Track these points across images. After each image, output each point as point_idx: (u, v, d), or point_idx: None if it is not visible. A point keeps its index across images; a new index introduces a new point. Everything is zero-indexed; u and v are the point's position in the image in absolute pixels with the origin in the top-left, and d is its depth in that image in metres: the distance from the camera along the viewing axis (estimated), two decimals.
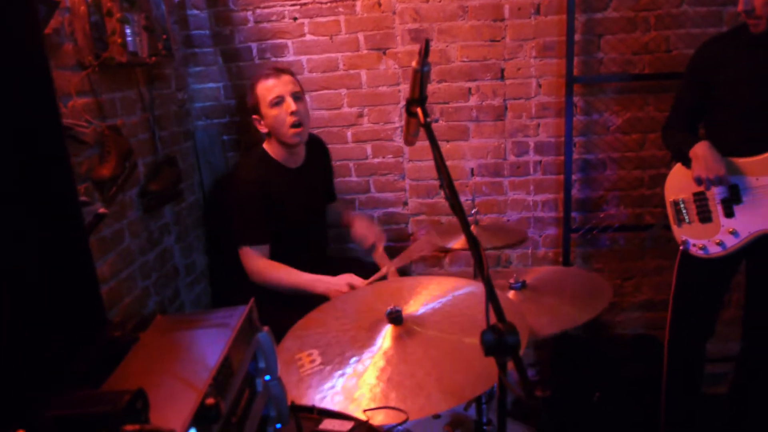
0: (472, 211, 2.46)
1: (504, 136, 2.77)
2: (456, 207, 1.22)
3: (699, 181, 2.04)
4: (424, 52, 1.27)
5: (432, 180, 2.85)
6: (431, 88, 2.71)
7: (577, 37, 2.62)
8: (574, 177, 2.77)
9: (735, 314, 2.74)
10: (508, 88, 2.72)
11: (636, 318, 2.96)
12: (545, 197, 2.83)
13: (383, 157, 2.84)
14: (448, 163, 2.81)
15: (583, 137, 2.74)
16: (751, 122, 2.02)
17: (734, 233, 2.06)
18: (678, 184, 2.20)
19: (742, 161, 2.03)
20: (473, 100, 2.74)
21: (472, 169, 2.81)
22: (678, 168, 2.22)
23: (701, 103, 2.16)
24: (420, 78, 1.30)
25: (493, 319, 1.09)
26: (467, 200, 2.75)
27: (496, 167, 2.80)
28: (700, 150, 2.04)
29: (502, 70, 2.70)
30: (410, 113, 1.35)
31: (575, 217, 2.83)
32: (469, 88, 2.73)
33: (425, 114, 1.32)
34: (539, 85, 2.71)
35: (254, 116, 2.33)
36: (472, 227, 2.47)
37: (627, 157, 2.75)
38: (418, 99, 1.32)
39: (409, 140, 1.47)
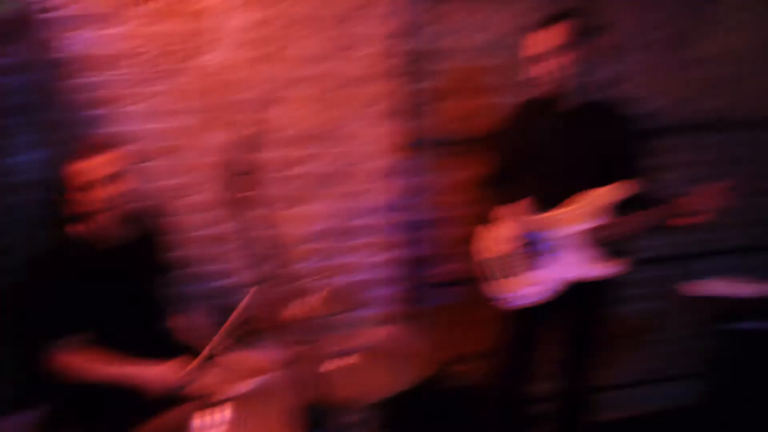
0: (312, 278, 2.45)
1: (347, 199, 2.81)
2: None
3: (513, 238, 2.20)
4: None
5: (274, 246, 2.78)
6: (267, 156, 2.69)
7: (418, 100, 2.76)
8: (416, 235, 2.88)
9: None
10: (351, 150, 2.78)
11: (475, 368, 3.08)
12: (392, 257, 2.89)
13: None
14: (288, 228, 2.77)
15: (422, 197, 2.88)
16: (552, 179, 2.24)
17: (548, 282, 2.23)
18: (491, 241, 2.35)
19: (549, 214, 2.23)
20: (313, 164, 2.75)
21: (315, 234, 2.80)
22: (491, 226, 2.37)
23: (509, 163, 2.36)
24: None
25: None
26: (310, 264, 2.72)
27: (340, 230, 2.83)
28: (511, 210, 2.23)
29: (343, 133, 2.76)
30: None
31: (419, 275, 2.92)
32: (309, 152, 2.74)
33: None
34: (383, 147, 2.80)
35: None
36: (311, 294, 2.44)
37: (463, 215, 2.91)
38: None
39: None
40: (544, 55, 2.12)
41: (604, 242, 2.17)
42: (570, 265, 2.21)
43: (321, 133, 2.74)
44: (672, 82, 3.12)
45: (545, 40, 2.13)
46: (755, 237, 3.43)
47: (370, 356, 1.99)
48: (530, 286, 2.25)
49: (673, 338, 3.45)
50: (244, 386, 1.82)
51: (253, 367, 2.05)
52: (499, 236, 2.33)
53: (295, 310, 2.21)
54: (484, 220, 2.40)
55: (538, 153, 2.26)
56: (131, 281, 2.22)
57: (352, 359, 1.96)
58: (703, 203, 2.02)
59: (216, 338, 2.02)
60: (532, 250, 2.24)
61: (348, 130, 2.76)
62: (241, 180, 1.27)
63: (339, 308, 2.32)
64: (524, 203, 2.25)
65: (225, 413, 1.53)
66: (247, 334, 2.31)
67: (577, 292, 2.25)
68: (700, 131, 3.19)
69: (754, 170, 3.31)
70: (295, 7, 2.63)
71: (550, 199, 2.24)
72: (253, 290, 2.70)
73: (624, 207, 2.28)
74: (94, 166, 2.04)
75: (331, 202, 2.80)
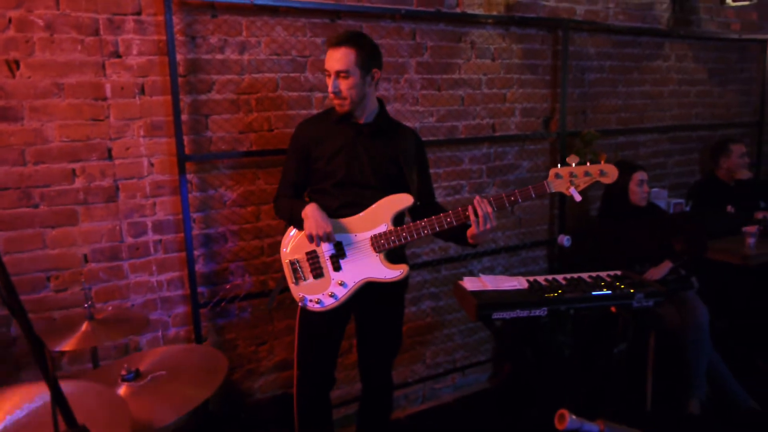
0: (86, 304, 2.27)
1: (118, 218, 2.64)
2: (14, 308, 1.08)
3: (311, 238, 2.25)
4: None
5: (38, 272, 2.52)
6: (26, 170, 2.44)
7: (185, 117, 2.70)
8: (196, 252, 2.79)
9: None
10: (118, 168, 2.62)
11: (273, 380, 3.08)
12: (170, 276, 2.78)
13: None
14: (56, 251, 2.54)
15: (202, 213, 2.80)
16: (345, 189, 2.35)
17: (343, 284, 2.33)
18: (293, 245, 2.39)
19: (343, 221, 2.33)
20: (79, 182, 2.55)
21: (86, 255, 2.59)
22: (291, 230, 2.42)
23: (304, 175, 2.44)
24: None
25: (63, 427, 0.99)
26: (82, 290, 2.51)
27: (113, 251, 2.64)
28: (310, 211, 2.28)
29: (110, 150, 2.59)
30: None
31: (203, 292, 2.84)
32: (73, 170, 2.54)
33: None
34: (152, 164, 2.68)
35: None
36: (86, 322, 2.27)
37: (245, 228, 2.91)
38: None
39: None
40: (332, 73, 2.26)
41: (394, 246, 2.30)
42: (363, 269, 2.32)
43: (88, 146, 2.54)
44: (439, 102, 3.41)
45: (331, 60, 2.25)
46: (521, 237, 3.88)
47: (162, 376, 1.88)
48: (330, 288, 2.33)
49: (463, 331, 3.76)
50: None
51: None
52: (294, 243, 2.38)
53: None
54: (288, 225, 2.43)
55: (332, 163, 2.35)
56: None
57: (143, 381, 1.84)
58: (477, 212, 2.21)
59: None
60: (332, 252, 2.32)
61: (119, 144, 2.60)
62: None
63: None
64: (319, 210, 2.31)
65: None
66: None
67: (370, 294, 2.36)
68: (468, 144, 3.53)
69: (510, 179, 3.75)
70: (51, 10, 2.42)
71: (342, 206, 2.34)
72: None
73: (412, 214, 2.49)
74: None
75: (103, 220, 2.61)
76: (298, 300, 2.37)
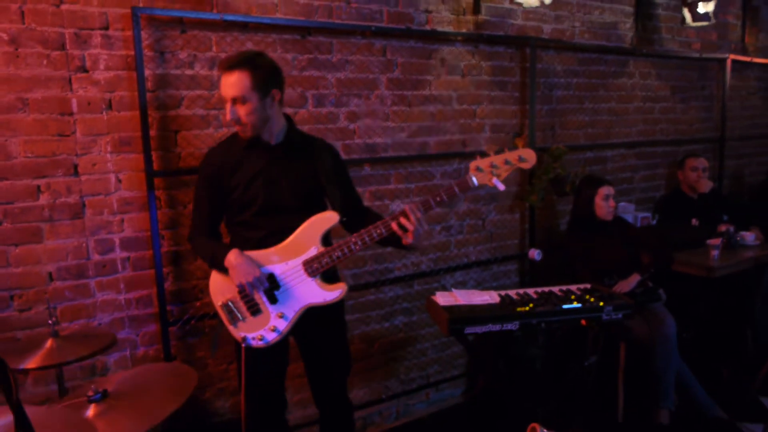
0: (50, 321, 2.21)
1: (85, 235, 2.59)
2: None
3: (242, 288, 2.17)
4: None
5: (1, 291, 2.45)
6: None
7: (153, 132, 2.67)
8: (165, 270, 2.75)
9: None
10: (84, 185, 2.57)
11: (233, 402, 3.03)
12: (138, 294, 2.72)
13: None
14: (19, 269, 2.47)
15: (171, 230, 2.76)
16: (267, 217, 2.25)
17: (283, 317, 2.23)
18: (221, 287, 2.27)
19: (270, 252, 2.22)
20: (44, 199, 2.50)
21: (51, 273, 2.53)
22: (216, 273, 2.29)
23: (219, 208, 2.31)
24: None
25: None
26: (46, 309, 2.44)
27: (79, 269, 2.59)
28: (234, 259, 2.17)
29: (76, 166, 2.55)
30: None
31: (172, 310, 2.79)
32: (38, 186, 2.48)
33: None
34: (119, 180, 2.64)
35: None
36: (51, 339, 2.21)
37: None
38: None
39: None
40: (228, 100, 2.14)
41: (327, 267, 2.22)
42: (301, 296, 2.23)
43: (54, 162, 2.50)
44: (410, 118, 3.44)
45: (226, 86, 2.12)
46: (492, 251, 3.91)
47: (124, 397, 1.84)
48: (271, 322, 2.24)
49: (436, 345, 3.76)
50: None
51: None
52: (223, 285, 2.27)
53: None
54: (207, 262, 2.31)
55: (249, 190, 2.22)
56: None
57: (107, 401, 1.79)
58: (407, 222, 2.14)
59: None
60: (265, 286, 2.20)
61: (86, 159, 2.56)
62: None
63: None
64: (243, 241, 2.24)
65: None
66: None
67: (309, 318, 2.27)
68: (440, 160, 3.56)
69: (481, 194, 3.79)
70: (16, 24, 2.38)
71: (268, 235, 2.25)
72: None
73: (345, 226, 2.39)
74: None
75: (69, 238, 2.55)
76: (240, 341, 2.24)
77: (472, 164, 2.21)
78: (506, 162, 2.21)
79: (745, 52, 5.29)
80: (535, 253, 3.79)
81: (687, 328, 3.89)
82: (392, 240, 2.25)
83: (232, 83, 2.10)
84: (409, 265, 3.55)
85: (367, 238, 2.18)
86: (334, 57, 3.12)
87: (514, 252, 4.01)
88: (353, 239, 2.19)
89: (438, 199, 2.20)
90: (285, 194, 2.24)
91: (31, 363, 2.09)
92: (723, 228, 4.09)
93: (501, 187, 2.22)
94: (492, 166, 2.21)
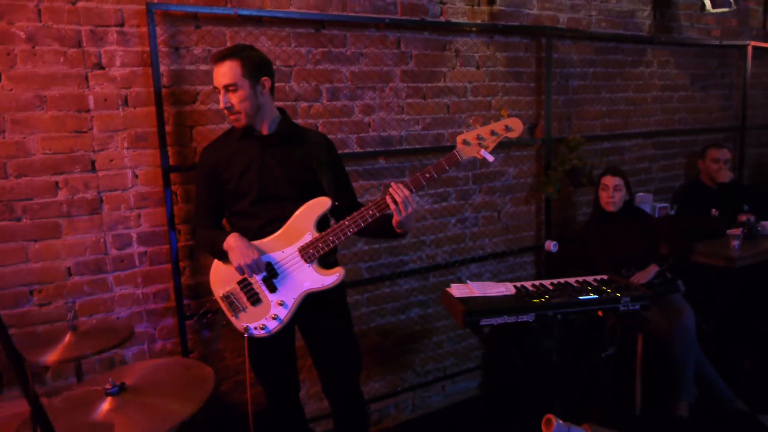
0: (69, 315, 2.24)
1: (102, 230, 2.62)
2: None
3: (240, 270, 2.19)
4: None
5: (21, 286, 2.50)
6: (8, 183, 2.42)
7: (169, 128, 2.69)
8: (182, 264, 2.78)
9: None
10: (102, 180, 2.60)
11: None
12: (156, 288, 2.75)
13: None
14: (39, 264, 2.51)
15: (188, 224, 2.78)
16: (264, 205, 2.27)
17: (283, 304, 2.25)
18: (222, 278, 2.31)
19: (266, 241, 2.25)
20: (62, 195, 2.53)
21: (69, 269, 2.57)
22: (217, 264, 2.33)
23: (218, 200, 2.35)
24: None
25: None
26: (65, 303, 2.49)
27: (97, 264, 2.62)
28: (233, 241, 2.20)
29: (93, 162, 2.58)
30: None
31: (189, 304, 2.82)
32: (56, 182, 2.52)
33: None
34: (136, 176, 2.67)
35: None
36: (69, 333, 2.25)
37: None
38: None
39: None
40: (221, 89, 2.19)
41: (324, 253, 2.24)
42: (299, 283, 2.25)
43: (71, 158, 2.53)
44: (425, 110, 3.42)
45: (218, 76, 2.19)
46: (508, 243, 3.89)
47: (142, 392, 1.86)
48: (272, 311, 2.25)
49: (452, 338, 3.76)
50: None
51: None
52: (223, 276, 2.30)
53: None
54: (208, 254, 2.35)
55: (243, 181, 2.26)
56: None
57: (128, 395, 1.81)
58: (394, 201, 2.13)
59: None
60: (264, 275, 2.24)
61: (103, 156, 2.58)
62: None
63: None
64: (242, 231, 2.26)
65: None
66: None
67: (311, 306, 2.29)
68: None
69: (497, 185, 3.77)
70: (33, 22, 2.41)
71: (265, 224, 2.27)
72: None
73: (336, 216, 2.36)
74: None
75: (87, 233, 2.59)
76: (242, 331, 2.28)
77: (459, 138, 2.19)
78: (492, 133, 2.19)
79: (766, 39, 5.18)
80: (551, 245, 3.76)
81: (707, 320, 3.84)
82: (385, 229, 2.28)
83: (224, 72, 2.17)
84: (424, 258, 3.55)
85: (360, 221, 2.21)
86: (348, 50, 3.12)
87: (531, 244, 3.98)
88: (346, 222, 2.22)
89: (427, 176, 2.19)
90: (279, 182, 2.27)
91: (51, 357, 2.14)
92: (743, 218, 4.02)
93: (490, 158, 2.20)
94: (479, 138, 2.19)
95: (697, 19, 4.66)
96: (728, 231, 3.81)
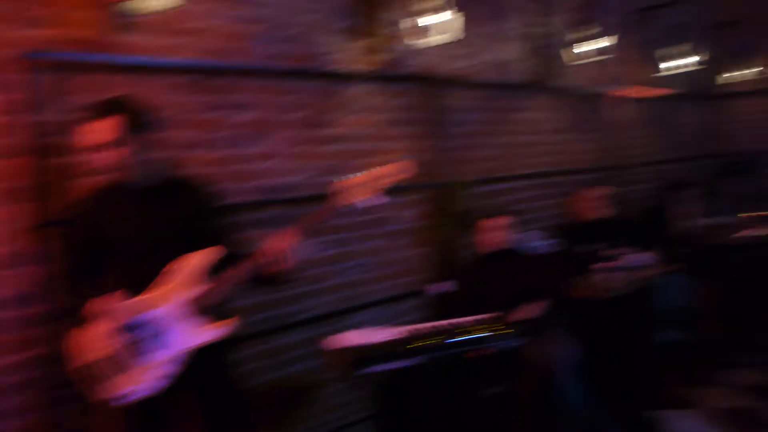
0: None
1: None
2: None
3: (116, 331, 2.09)
4: None
5: None
6: None
7: (41, 181, 2.51)
8: (47, 330, 2.53)
9: None
10: None
11: None
12: (16, 358, 2.50)
13: None
14: None
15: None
16: (139, 263, 2.19)
17: (171, 361, 2.13)
18: (94, 343, 2.15)
19: (144, 298, 2.15)
20: None
21: None
22: (88, 328, 2.17)
23: (90, 261, 2.26)
24: None
25: None
26: None
27: None
28: (110, 304, 2.11)
29: None
30: None
31: (51, 376, 2.60)
32: None
33: None
34: (4, 233, 2.47)
35: None
36: None
37: None
38: None
39: None
40: (100, 146, 2.12)
41: (207, 307, 2.17)
42: (179, 340, 2.15)
43: None
44: (318, 157, 3.47)
45: (94, 132, 2.12)
46: (405, 286, 3.95)
47: None
48: (145, 375, 2.11)
49: (339, 390, 3.70)
50: None
51: None
52: (96, 333, 2.14)
53: None
54: (77, 318, 2.19)
55: (116, 237, 2.20)
56: None
57: None
58: (277, 251, 2.15)
59: None
60: (136, 337, 2.11)
61: None
62: None
63: None
64: (115, 292, 2.15)
65: None
66: None
67: (196, 364, 2.18)
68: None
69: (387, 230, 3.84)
70: None
71: (140, 281, 2.17)
72: None
73: (216, 269, 2.27)
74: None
75: None
76: (114, 395, 2.10)
77: (348, 183, 2.25)
78: (382, 177, 2.25)
79: (632, 87, 5.68)
80: (438, 288, 3.84)
81: (590, 352, 4.07)
82: (267, 279, 2.26)
83: (105, 128, 2.10)
84: (313, 307, 3.51)
85: (243, 272, 2.18)
86: (241, 98, 3.11)
87: (420, 288, 4.01)
88: (229, 273, 2.18)
89: (312, 223, 2.24)
90: (160, 236, 2.20)
91: None
92: (616, 252, 4.34)
93: (378, 202, 2.25)
94: (367, 182, 2.25)
95: (572, 68, 5.03)
96: (600, 264, 4.10)
